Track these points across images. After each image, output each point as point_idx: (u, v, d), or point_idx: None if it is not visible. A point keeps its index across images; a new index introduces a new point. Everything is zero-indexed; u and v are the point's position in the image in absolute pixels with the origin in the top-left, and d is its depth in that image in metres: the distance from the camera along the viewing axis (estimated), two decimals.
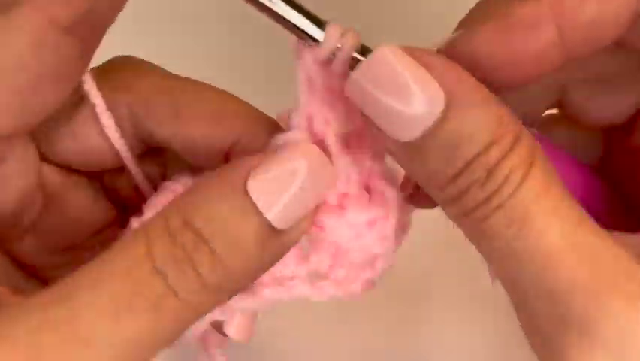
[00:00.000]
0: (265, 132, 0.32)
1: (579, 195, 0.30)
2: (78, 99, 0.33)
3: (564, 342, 0.26)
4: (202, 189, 0.28)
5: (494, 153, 0.26)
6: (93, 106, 0.32)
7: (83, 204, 0.35)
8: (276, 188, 0.27)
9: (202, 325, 0.34)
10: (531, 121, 0.34)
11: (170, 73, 0.34)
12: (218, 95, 0.33)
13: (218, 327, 0.36)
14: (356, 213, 0.31)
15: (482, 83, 0.27)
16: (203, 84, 0.33)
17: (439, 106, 0.26)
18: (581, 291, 0.25)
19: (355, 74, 0.27)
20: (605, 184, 0.35)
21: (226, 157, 0.33)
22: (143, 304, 0.26)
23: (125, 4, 0.29)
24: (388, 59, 0.26)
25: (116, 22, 0.30)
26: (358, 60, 0.28)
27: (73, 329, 0.25)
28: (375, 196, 0.31)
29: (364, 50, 0.28)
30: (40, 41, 0.27)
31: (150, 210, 0.32)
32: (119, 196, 0.36)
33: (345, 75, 0.28)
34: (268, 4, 0.27)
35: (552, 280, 0.26)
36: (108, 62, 0.34)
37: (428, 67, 0.26)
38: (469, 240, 0.28)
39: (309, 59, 0.29)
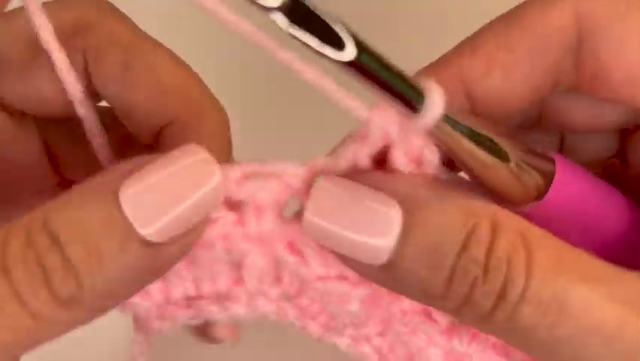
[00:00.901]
0: (211, 119, 0.30)
1: (613, 223, 0.29)
2: (30, 39, 0.30)
3: None
4: (73, 190, 0.25)
5: (477, 248, 0.24)
6: (46, 48, 0.29)
7: (26, 157, 0.33)
8: (157, 201, 0.24)
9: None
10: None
11: (129, 25, 0.31)
12: (172, 66, 0.31)
13: (200, 332, 0.36)
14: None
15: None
16: (163, 48, 0.31)
17: (398, 214, 0.24)
18: None
19: (307, 215, 0.25)
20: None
21: (157, 135, 0.31)
22: None
23: None
24: (331, 190, 0.25)
25: None
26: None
27: None
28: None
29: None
30: None
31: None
32: (60, 157, 0.34)
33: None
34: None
35: (624, 349, 0.24)
36: None
37: (374, 183, 0.25)
38: (503, 340, 0.26)
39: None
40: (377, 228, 0.24)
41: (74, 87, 0.30)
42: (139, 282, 0.26)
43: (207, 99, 0.31)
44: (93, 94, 0.32)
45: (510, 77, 0.28)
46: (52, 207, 0.24)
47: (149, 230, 0.24)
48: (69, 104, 0.31)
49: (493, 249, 0.24)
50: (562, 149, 0.34)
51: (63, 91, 0.30)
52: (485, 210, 0.25)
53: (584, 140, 0.33)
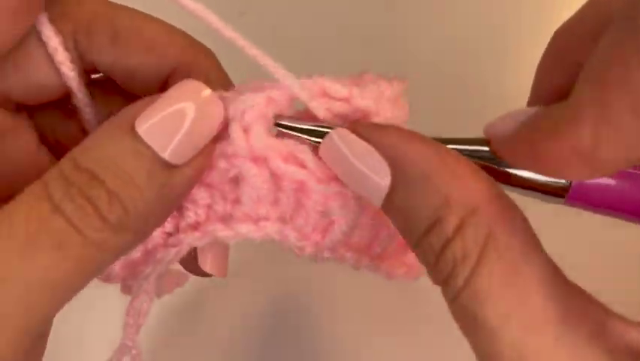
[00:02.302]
0: (202, 60, 0.33)
1: None
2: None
3: None
4: (95, 133, 0.28)
5: (436, 238, 0.26)
6: (39, 33, 0.32)
7: (24, 149, 0.34)
8: (166, 128, 0.28)
9: (157, 271, 0.34)
10: None
11: (111, 1, 0.33)
12: (156, 25, 0.33)
13: (186, 263, 0.37)
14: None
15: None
16: (143, 14, 0.33)
17: (386, 179, 0.27)
18: None
19: (321, 151, 0.29)
20: None
21: (164, 87, 0.32)
22: (47, 242, 0.26)
23: None
24: (335, 142, 0.29)
25: None
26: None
27: None
28: None
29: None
30: None
31: None
32: (59, 146, 0.36)
33: None
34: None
35: (499, 341, 0.25)
36: None
37: (379, 136, 0.28)
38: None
39: None
40: (369, 182, 0.28)
41: (68, 67, 0.33)
42: (170, 202, 0.29)
43: (195, 44, 0.34)
44: (87, 70, 0.34)
45: (620, 149, 0.24)
46: (77, 152, 0.28)
47: (167, 153, 0.28)
48: (62, 86, 0.33)
49: (448, 247, 0.26)
50: None
51: (56, 74, 0.33)
52: (462, 202, 0.26)
53: None
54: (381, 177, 0.27)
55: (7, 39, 0.30)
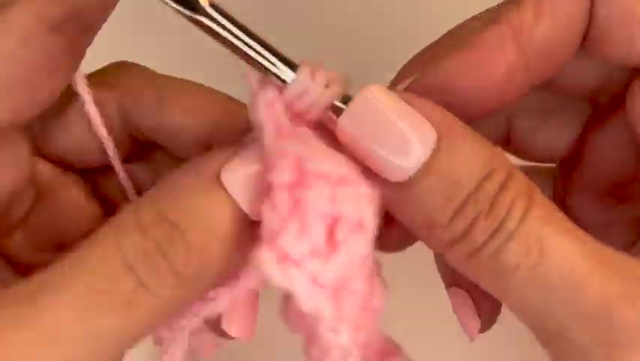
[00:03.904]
0: (242, 121, 0.32)
1: None
2: (71, 96, 0.33)
3: None
4: (174, 182, 0.27)
5: (492, 185, 0.26)
6: (82, 102, 0.33)
7: (73, 202, 0.35)
8: (250, 182, 0.27)
9: (192, 324, 0.32)
10: None
11: (157, 72, 0.35)
12: (199, 88, 0.34)
13: (213, 325, 0.35)
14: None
15: (453, 112, 0.27)
16: (186, 80, 0.34)
17: (431, 143, 0.26)
18: (618, 305, 0.25)
19: (343, 120, 0.27)
20: None
21: (208, 148, 0.33)
22: (114, 300, 0.25)
23: (115, 5, 0.30)
24: (373, 100, 0.26)
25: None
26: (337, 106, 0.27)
27: (36, 327, 0.24)
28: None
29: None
30: (29, 39, 0.28)
31: None
32: (108, 198, 0.37)
33: (315, 119, 0.27)
34: (231, 38, 0.26)
35: (586, 300, 0.26)
36: (103, 67, 0.35)
37: (414, 106, 0.26)
38: (478, 281, 0.28)
39: (275, 98, 0.27)
40: (406, 147, 0.26)
41: (105, 137, 0.34)
42: (241, 254, 0.28)
43: (235, 104, 0.34)
44: (129, 139, 0.35)
45: (557, 24, 0.29)
46: (163, 199, 0.27)
47: (250, 209, 0.27)
48: (103, 152, 0.34)
49: (503, 190, 0.26)
50: (508, 141, 0.35)
51: (98, 141, 0.34)
52: (504, 159, 0.27)
53: (533, 137, 0.35)
54: (425, 139, 0.26)
55: (40, 97, 0.30)
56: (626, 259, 0.27)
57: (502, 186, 0.26)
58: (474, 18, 0.32)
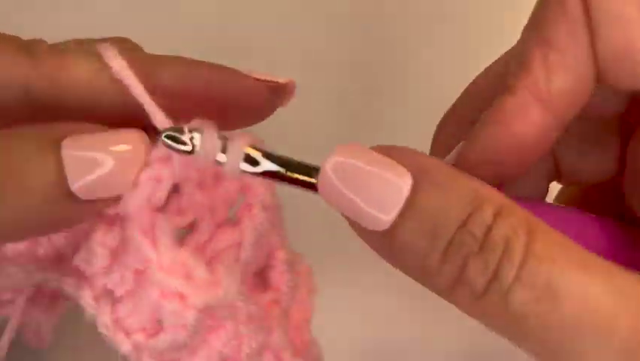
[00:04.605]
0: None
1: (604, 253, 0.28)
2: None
3: None
4: (27, 128, 0.27)
5: (478, 222, 0.25)
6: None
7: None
8: (83, 165, 0.27)
9: None
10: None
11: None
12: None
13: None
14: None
15: (494, 180, 0.28)
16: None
17: (407, 187, 0.25)
18: None
19: (322, 181, 0.26)
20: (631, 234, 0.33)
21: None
22: None
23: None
24: (348, 156, 0.26)
25: None
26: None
27: None
28: None
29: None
30: None
31: None
32: None
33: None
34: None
35: (617, 340, 0.24)
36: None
37: (389, 155, 0.26)
38: (491, 327, 0.26)
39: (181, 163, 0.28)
40: (385, 196, 0.25)
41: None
42: (49, 223, 0.28)
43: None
44: None
45: (569, 72, 0.29)
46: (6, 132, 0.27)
47: (75, 188, 0.27)
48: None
49: (493, 230, 0.25)
50: (560, 175, 0.36)
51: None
52: (493, 196, 0.25)
53: (581, 163, 0.35)
54: (403, 180, 0.25)
55: None
56: None
57: (493, 223, 0.25)
58: (481, 76, 0.33)
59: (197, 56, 0.31)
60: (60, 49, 0.29)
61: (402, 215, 0.25)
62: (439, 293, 0.26)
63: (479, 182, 0.26)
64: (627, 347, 0.24)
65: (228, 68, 0.31)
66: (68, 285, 0.30)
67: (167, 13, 0.54)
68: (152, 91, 0.29)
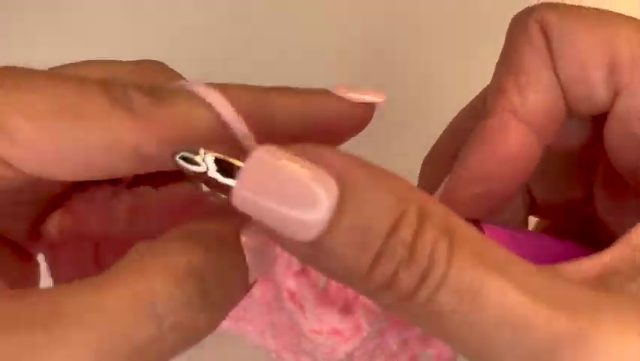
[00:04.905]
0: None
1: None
2: None
3: None
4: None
5: (405, 230, 0.25)
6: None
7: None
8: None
9: None
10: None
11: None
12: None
13: None
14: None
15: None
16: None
17: (334, 195, 0.24)
18: (564, 346, 0.24)
19: (237, 187, 0.24)
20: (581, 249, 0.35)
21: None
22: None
23: None
24: (266, 160, 0.24)
25: None
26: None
27: None
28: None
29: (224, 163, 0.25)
30: None
31: None
32: None
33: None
34: None
35: (532, 342, 0.25)
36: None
37: (312, 157, 0.25)
38: (416, 324, 0.27)
39: None
40: (309, 203, 0.24)
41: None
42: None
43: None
44: None
45: (539, 88, 0.31)
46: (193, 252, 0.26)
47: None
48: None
49: (420, 233, 0.25)
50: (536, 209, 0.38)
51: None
52: (414, 195, 0.25)
53: (554, 195, 0.37)
54: (329, 191, 0.24)
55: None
56: (576, 290, 0.26)
57: (418, 229, 0.25)
58: (462, 112, 0.35)
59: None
60: (158, 97, 0.28)
61: (330, 226, 0.24)
62: (362, 293, 0.26)
63: (402, 182, 0.26)
64: (540, 352, 0.25)
65: (322, 94, 0.31)
66: None
67: (166, 14, 0.54)
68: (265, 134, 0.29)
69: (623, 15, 0.31)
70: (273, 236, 0.26)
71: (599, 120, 0.33)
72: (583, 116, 0.33)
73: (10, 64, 0.29)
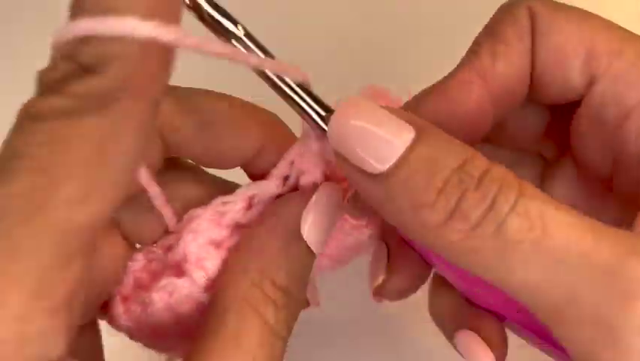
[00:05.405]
0: (285, 142, 0.33)
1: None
2: None
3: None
4: (268, 245, 0.31)
5: (472, 168, 0.26)
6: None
7: (115, 255, 0.34)
8: (319, 227, 0.31)
9: None
10: None
11: (190, 88, 0.33)
12: (240, 105, 0.33)
13: None
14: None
15: None
16: (220, 94, 0.33)
17: (409, 135, 0.27)
18: (629, 260, 0.25)
19: (333, 123, 0.28)
20: None
21: (247, 164, 0.33)
22: None
23: None
24: (358, 105, 0.28)
25: None
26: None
27: None
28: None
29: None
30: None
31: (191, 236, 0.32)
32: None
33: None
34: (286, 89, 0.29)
35: (597, 263, 0.25)
36: None
37: (391, 111, 0.28)
38: (474, 265, 0.27)
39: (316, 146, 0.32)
40: (394, 132, 0.27)
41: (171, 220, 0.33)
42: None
43: (269, 114, 0.34)
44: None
45: (510, 63, 0.33)
46: (269, 268, 0.30)
47: (316, 248, 0.31)
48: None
49: (488, 173, 0.26)
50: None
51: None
52: (483, 155, 0.27)
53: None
54: (404, 132, 0.27)
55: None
56: (627, 232, 0.27)
57: (487, 170, 0.26)
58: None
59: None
60: None
61: (403, 157, 0.27)
62: (428, 232, 0.27)
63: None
64: (605, 270, 0.26)
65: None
66: None
67: None
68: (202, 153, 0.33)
69: (605, 18, 0.33)
70: (352, 172, 0.28)
71: (561, 113, 0.34)
72: (551, 103, 0.34)
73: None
